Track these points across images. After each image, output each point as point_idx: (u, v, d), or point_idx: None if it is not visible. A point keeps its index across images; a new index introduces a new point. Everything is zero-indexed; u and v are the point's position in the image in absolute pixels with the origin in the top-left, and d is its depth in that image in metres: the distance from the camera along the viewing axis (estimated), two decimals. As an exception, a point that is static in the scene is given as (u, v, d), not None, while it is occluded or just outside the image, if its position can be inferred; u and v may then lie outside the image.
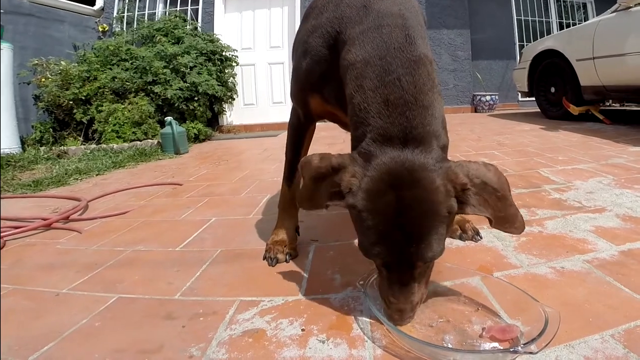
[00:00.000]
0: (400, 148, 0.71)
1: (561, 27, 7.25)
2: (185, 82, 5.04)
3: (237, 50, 6.00)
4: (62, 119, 4.96)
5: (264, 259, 1.20)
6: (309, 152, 1.11)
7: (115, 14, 6.51)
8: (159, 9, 6.58)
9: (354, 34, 0.86)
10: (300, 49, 1.07)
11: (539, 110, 4.95)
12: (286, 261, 1.18)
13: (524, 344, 0.66)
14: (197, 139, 5.11)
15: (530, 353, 0.65)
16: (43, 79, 4.82)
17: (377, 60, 0.79)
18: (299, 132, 1.24)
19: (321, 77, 1.01)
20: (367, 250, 0.74)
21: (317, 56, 0.99)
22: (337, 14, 0.93)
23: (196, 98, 5.12)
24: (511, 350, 0.65)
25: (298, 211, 1.31)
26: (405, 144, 0.71)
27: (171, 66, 5.08)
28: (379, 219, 0.70)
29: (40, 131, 4.83)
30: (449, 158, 0.75)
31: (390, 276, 0.76)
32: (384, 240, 0.71)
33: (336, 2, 0.96)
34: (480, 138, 3.56)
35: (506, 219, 0.73)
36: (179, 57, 5.10)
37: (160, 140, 4.32)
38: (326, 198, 0.77)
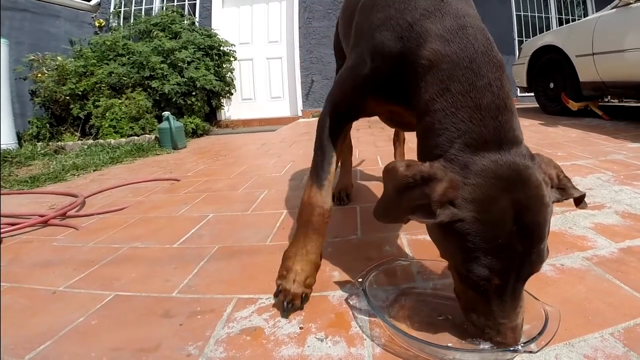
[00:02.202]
0: (497, 151, 0.66)
1: (561, 23, 7.23)
2: (182, 77, 5.03)
3: (235, 45, 5.98)
4: (59, 114, 4.95)
5: (275, 297, 0.94)
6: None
7: (112, 8, 6.47)
8: (156, 3, 6.53)
9: (436, 30, 0.79)
10: (366, 45, 0.93)
11: (537, 105, 4.94)
12: (301, 308, 0.90)
13: (524, 343, 0.65)
14: (194, 134, 5.09)
15: (530, 352, 0.64)
16: (39, 75, 4.80)
17: (466, 62, 0.74)
18: (339, 126, 1.02)
19: (389, 75, 0.88)
20: (479, 274, 0.64)
21: (388, 53, 0.86)
22: (410, 4, 0.85)
23: (194, 93, 5.11)
24: (511, 349, 0.65)
25: (327, 225, 0.98)
26: (500, 147, 0.67)
27: (168, 61, 5.06)
28: (497, 230, 0.62)
29: (37, 127, 4.82)
30: None
31: (501, 295, 0.66)
32: (503, 254, 0.63)
33: None
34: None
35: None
36: (177, 52, 5.07)
37: (157, 136, 4.30)
38: (408, 211, 0.68)
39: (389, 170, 0.73)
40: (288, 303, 0.88)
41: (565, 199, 0.72)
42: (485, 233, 0.63)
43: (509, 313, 0.66)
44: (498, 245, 0.62)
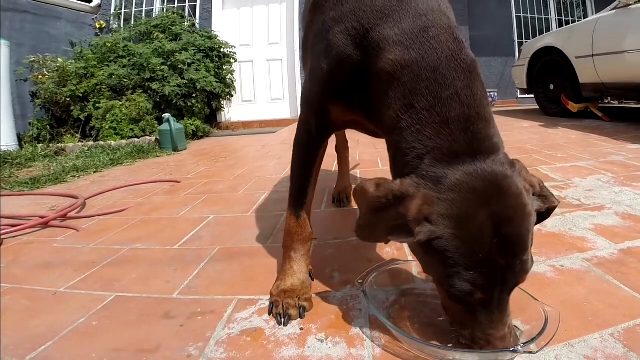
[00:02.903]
0: (471, 163, 0.63)
1: (560, 25, 7.24)
2: (183, 78, 5.03)
3: (235, 47, 5.98)
4: (59, 116, 4.95)
5: (269, 314, 0.90)
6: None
7: (112, 10, 6.48)
8: (157, 5, 6.54)
9: (392, 36, 0.73)
10: (319, 46, 0.89)
11: (537, 107, 4.95)
12: (301, 317, 0.88)
13: (523, 343, 0.65)
14: (195, 135, 5.10)
15: (530, 352, 0.64)
16: (40, 76, 4.81)
17: (429, 73, 0.68)
18: (311, 149, 1.00)
19: (347, 80, 0.84)
20: (461, 289, 0.62)
21: (341, 57, 0.81)
22: (363, 5, 0.78)
23: (194, 95, 5.11)
24: (511, 349, 0.65)
25: (310, 248, 1.04)
26: (474, 159, 0.64)
27: (169, 63, 5.06)
28: (476, 246, 0.60)
29: (38, 128, 4.82)
30: None
31: (487, 307, 0.64)
32: (484, 269, 0.61)
33: None
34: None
35: None
36: (177, 54, 5.08)
37: (158, 137, 4.31)
38: (386, 232, 0.65)
39: (358, 192, 0.71)
40: (282, 316, 0.87)
41: (547, 208, 0.69)
42: (464, 249, 0.61)
43: (496, 324, 0.65)
44: (478, 260, 0.61)
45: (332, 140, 1.90)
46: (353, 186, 1.84)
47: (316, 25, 0.92)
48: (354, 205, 1.70)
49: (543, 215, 0.70)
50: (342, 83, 0.85)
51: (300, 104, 1.02)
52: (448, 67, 0.68)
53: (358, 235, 0.74)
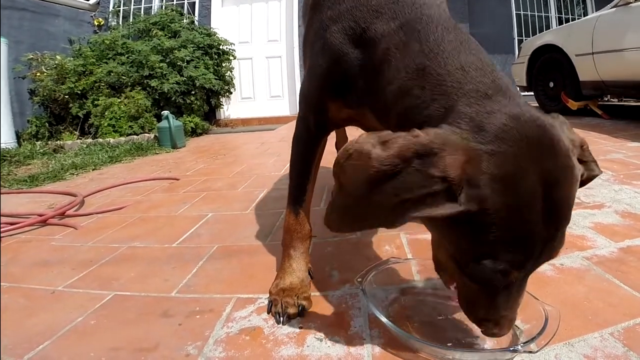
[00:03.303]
0: (510, 104, 0.53)
1: (560, 22, 7.23)
2: (182, 76, 5.02)
3: (234, 44, 5.97)
4: (58, 113, 4.94)
5: (268, 313, 0.89)
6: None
7: (111, 7, 6.46)
8: (156, 2, 6.52)
9: (387, 30, 0.72)
10: (317, 44, 0.88)
11: (537, 104, 4.94)
12: (300, 315, 0.86)
13: (523, 343, 0.65)
14: (194, 133, 5.09)
15: (530, 352, 0.64)
16: (38, 74, 4.79)
17: (431, 45, 0.65)
18: (310, 146, 0.98)
19: (344, 78, 0.82)
20: (496, 269, 0.52)
21: (339, 55, 0.81)
22: (359, 4, 0.78)
23: (193, 92, 5.10)
24: (511, 349, 0.65)
25: (309, 246, 1.02)
26: (509, 100, 0.54)
27: (168, 60, 5.05)
28: (527, 216, 0.49)
29: (36, 126, 4.82)
30: None
31: (509, 288, 0.57)
32: (529, 243, 0.51)
33: None
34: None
35: None
36: (176, 51, 5.07)
37: (157, 135, 4.30)
38: (405, 210, 0.50)
39: (353, 157, 0.52)
40: (281, 315, 0.86)
41: (588, 177, 0.59)
42: (513, 222, 0.49)
43: (512, 305, 0.59)
44: (525, 234, 0.51)
45: (332, 137, 1.91)
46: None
47: (315, 23, 0.93)
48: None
49: (580, 184, 0.57)
50: (340, 81, 0.84)
51: (299, 101, 1.02)
52: (449, 39, 0.65)
53: (335, 224, 0.59)
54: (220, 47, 5.74)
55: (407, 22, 0.71)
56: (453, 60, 0.61)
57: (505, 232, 0.50)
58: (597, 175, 0.60)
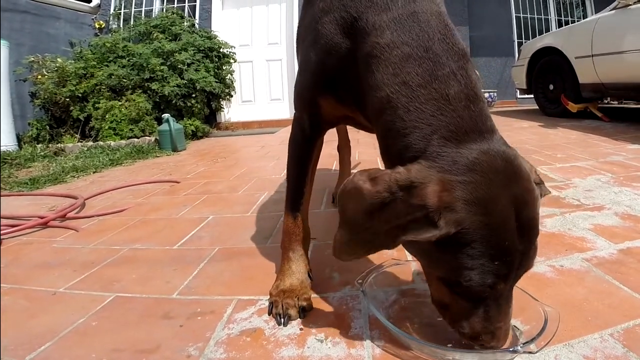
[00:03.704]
0: (481, 141, 0.59)
1: (560, 25, 7.24)
2: (182, 79, 5.03)
3: (234, 47, 5.98)
4: (58, 116, 4.95)
5: (269, 314, 0.90)
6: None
7: (112, 10, 6.48)
8: (156, 5, 6.54)
9: (381, 22, 0.71)
10: (309, 38, 0.88)
11: (537, 107, 4.95)
12: (300, 317, 0.87)
13: (523, 344, 0.65)
14: (194, 136, 5.10)
15: (530, 352, 0.64)
16: (39, 76, 4.80)
17: (421, 52, 0.65)
18: (305, 147, 0.98)
19: (336, 72, 0.82)
20: (484, 282, 0.57)
21: (330, 46, 0.80)
22: None
23: (194, 95, 5.11)
24: (510, 349, 0.65)
25: (309, 248, 1.04)
26: (482, 136, 0.59)
27: (168, 63, 5.06)
28: (503, 233, 0.56)
29: (37, 128, 4.82)
30: None
31: (498, 299, 0.61)
32: (508, 256, 0.57)
33: None
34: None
35: None
36: (177, 54, 5.08)
37: (157, 138, 4.31)
38: (396, 234, 0.58)
39: (349, 192, 0.61)
40: (282, 316, 0.86)
41: (543, 196, 0.66)
42: (492, 238, 0.56)
43: (504, 315, 0.63)
44: (504, 248, 0.56)
45: (334, 140, 1.91)
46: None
47: (307, 18, 0.93)
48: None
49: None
50: (332, 74, 0.83)
51: (294, 100, 1.01)
52: (440, 48, 0.66)
53: (343, 255, 0.66)
54: (221, 50, 5.75)
55: (400, 17, 0.70)
56: (440, 86, 0.63)
57: (486, 248, 0.56)
58: (547, 194, 0.68)
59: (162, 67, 4.92)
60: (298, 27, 1.06)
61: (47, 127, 4.89)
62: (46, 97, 4.74)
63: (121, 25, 6.37)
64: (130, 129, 4.58)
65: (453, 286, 0.62)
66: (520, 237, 0.57)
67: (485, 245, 0.56)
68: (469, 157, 0.57)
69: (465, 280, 0.58)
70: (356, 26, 0.75)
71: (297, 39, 1.10)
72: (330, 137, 1.79)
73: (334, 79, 0.83)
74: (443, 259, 0.60)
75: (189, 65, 5.17)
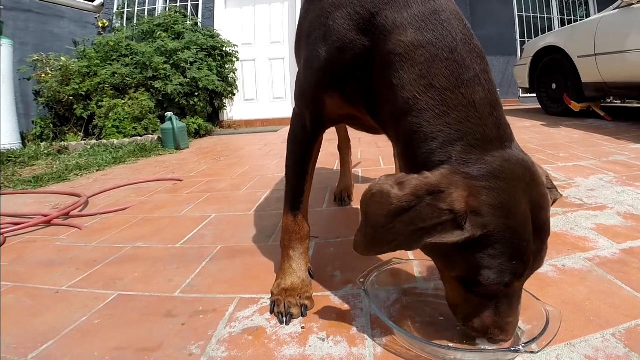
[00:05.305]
0: (503, 148, 0.62)
1: (563, 24, 7.21)
2: (185, 77, 5.03)
3: (237, 46, 5.98)
4: (62, 114, 4.96)
5: (271, 313, 0.90)
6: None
7: (115, 9, 6.48)
8: (159, 4, 6.55)
9: (401, 19, 0.69)
10: (316, 33, 0.85)
11: (539, 106, 4.94)
12: (302, 315, 0.87)
13: (525, 343, 0.66)
14: (197, 134, 5.11)
15: (532, 352, 0.64)
16: (43, 75, 4.81)
17: (446, 53, 0.65)
18: (306, 144, 0.97)
19: (346, 69, 0.80)
20: (501, 280, 0.60)
21: (342, 43, 0.78)
22: None
23: (196, 93, 5.11)
24: (512, 349, 0.65)
25: (309, 246, 1.03)
26: (503, 144, 0.63)
27: (171, 62, 5.06)
28: (524, 234, 0.60)
29: (41, 127, 4.84)
30: None
31: (510, 296, 0.65)
32: (525, 256, 0.61)
33: None
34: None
35: None
36: (179, 53, 5.08)
37: (160, 136, 4.32)
38: (420, 236, 0.59)
39: (376, 196, 0.62)
40: (284, 315, 0.87)
41: (554, 200, 0.70)
42: (513, 239, 0.59)
43: (513, 312, 0.66)
44: (522, 248, 0.60)
45: (334, 139, 1.91)
46: (355, 185, 1.85)
47: (312, 13, 0.89)
48: (355, 203, 1.70)
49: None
50: (342, 71, 0.81)
51: (295, 96, 0.99)
52: (464, 49, 0.66)
53: (366, 250, 0.67)
54: (224, 48, 5.76)
55: (421, 15, 0.69)
56: (467, 90, 0.64)
57: (506, 249, 0.59)
58: (557, 199, 0.72)
59: (165, 66, 4.93)
60: (300, 22, 1.04)
61: (51, 125, 4.91)
62: (50, 95, 4.75)
63: (124, 24, 6.37)
64: (134, 127, 4.59)
65: (470, 285, 0.65)
66: (535, 238, 0.61)
67: (506, 246, 0.59)
68: (493, 164, 0.60)
69: (484, 279, 0.61)
70: (374, 23, 0.73)
71: (297, 35, 1.08)
72: (332, 136, 1.78)
73: (343, 77, 0.82)
74: (463, 259, 0.62)
75: (191, 63, 5.17)
